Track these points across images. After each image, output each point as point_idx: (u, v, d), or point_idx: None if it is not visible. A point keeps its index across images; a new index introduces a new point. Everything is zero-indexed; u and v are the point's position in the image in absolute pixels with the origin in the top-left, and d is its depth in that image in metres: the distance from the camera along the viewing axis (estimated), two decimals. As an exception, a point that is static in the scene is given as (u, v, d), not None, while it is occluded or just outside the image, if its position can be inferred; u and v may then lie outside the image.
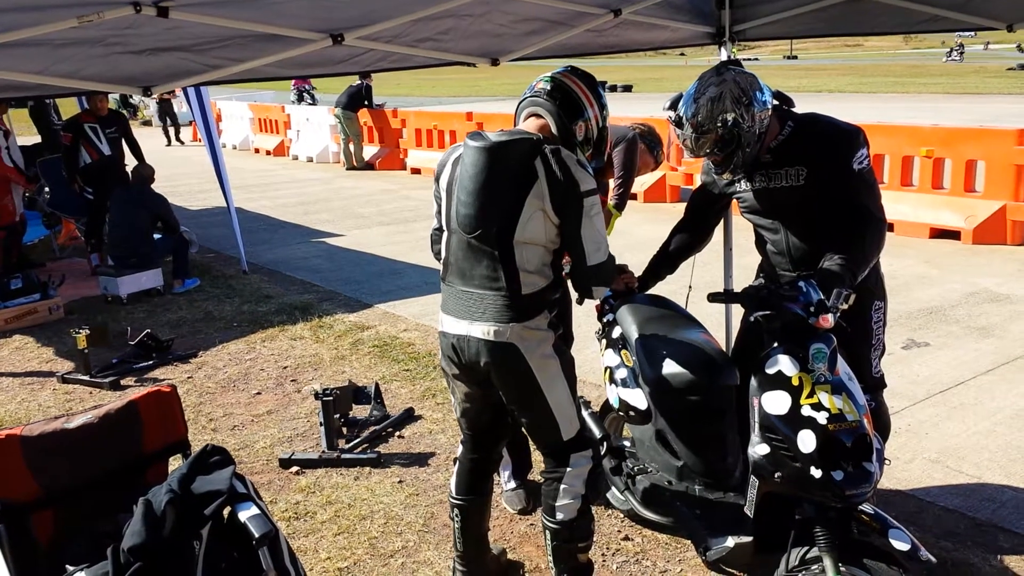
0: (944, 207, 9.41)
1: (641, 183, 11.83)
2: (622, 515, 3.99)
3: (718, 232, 3.86)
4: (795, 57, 71.32)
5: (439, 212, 3.17)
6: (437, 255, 3.28)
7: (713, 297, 3.11)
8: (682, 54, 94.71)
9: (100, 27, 2.98)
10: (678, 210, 3.78)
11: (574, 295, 3.34)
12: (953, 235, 9.23)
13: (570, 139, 3.04)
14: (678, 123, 3.23)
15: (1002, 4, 3.81)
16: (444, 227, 3.12)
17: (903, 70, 50.22)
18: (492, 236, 2.92)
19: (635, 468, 3.70)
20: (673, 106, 3.36)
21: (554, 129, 3.03)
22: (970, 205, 9.23)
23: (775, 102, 3.26)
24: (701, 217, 3.71)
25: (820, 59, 72.47)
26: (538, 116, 3.08)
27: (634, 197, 11.44)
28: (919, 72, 47.04)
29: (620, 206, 4.75)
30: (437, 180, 3.16)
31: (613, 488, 3.92)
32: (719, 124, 3.10)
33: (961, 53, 57.30)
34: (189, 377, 6.08)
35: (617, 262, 3.23)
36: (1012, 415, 4.91)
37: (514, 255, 2.92)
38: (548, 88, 3.06)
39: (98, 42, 3.15)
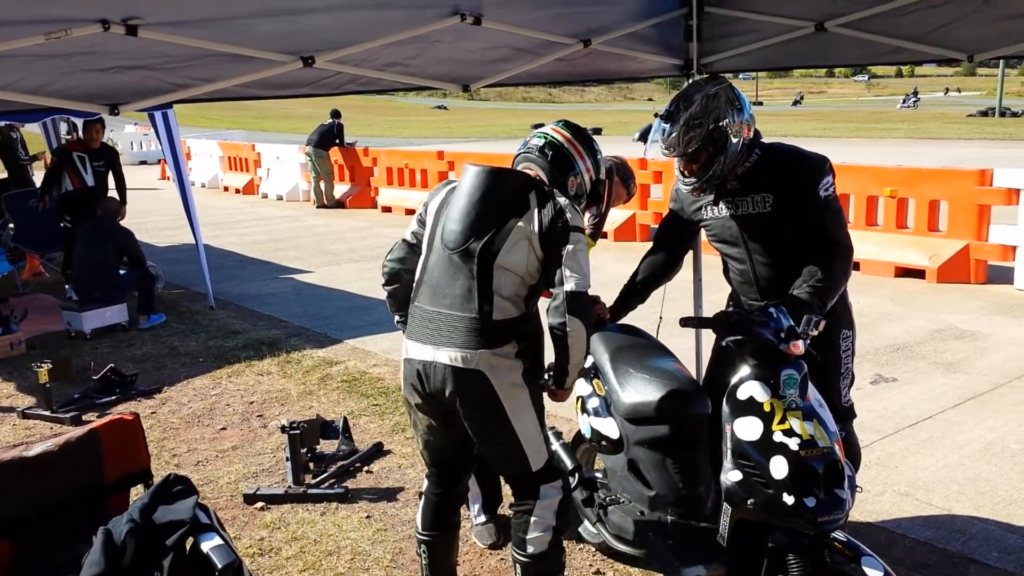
0: (909, 246, 9.55)
1: (611, 222, 11.92)
2: (594, 549, 3.94)
3: (687, 267, 3.87)
4: (760, 103, 72.78)
5: (416, 232, 3.20)
6: (391, 261, 3.25)
7: (685, 322, 3.11)
8: (650, 99, 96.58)
9: (67, 43, 2.96)
10: (646, 248, 3.80)
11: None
12: (918, 274, 9.36)
13: (563, 193, 3.08)
14: (666, 117, 3.23)
15: (962, 36, 3.89)
16: (424, 247, 3.11)
17: (865, 116, 51.33)
18: (475, 254, 2.92)
19: (607, 499, 3.66)
20: (642, 137, 3.39)
21: (547, 182, 3.08)
22: (934, 244, 9.38)
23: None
24: (670, 245, 3.73)
25: (785, 105, 73.98)
26: (531, 169, 3.14)
27: (604, 236, 11.52)
28: (881, 118, 48.08)
29: (595, 236, 4.77)
30: (426, 204, 3.20)
31: (585, 521, 3.87)
32: (711, 121, 3.12)
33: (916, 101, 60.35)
34: (153, 412, 5.97)
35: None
36: (980, 448, 4.94)
37: (492, 278, 2.91)
38: (540, 144, 3.13)
39: (64, 58, 3.13)
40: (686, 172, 3.30)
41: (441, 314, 2.96)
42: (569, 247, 2.92)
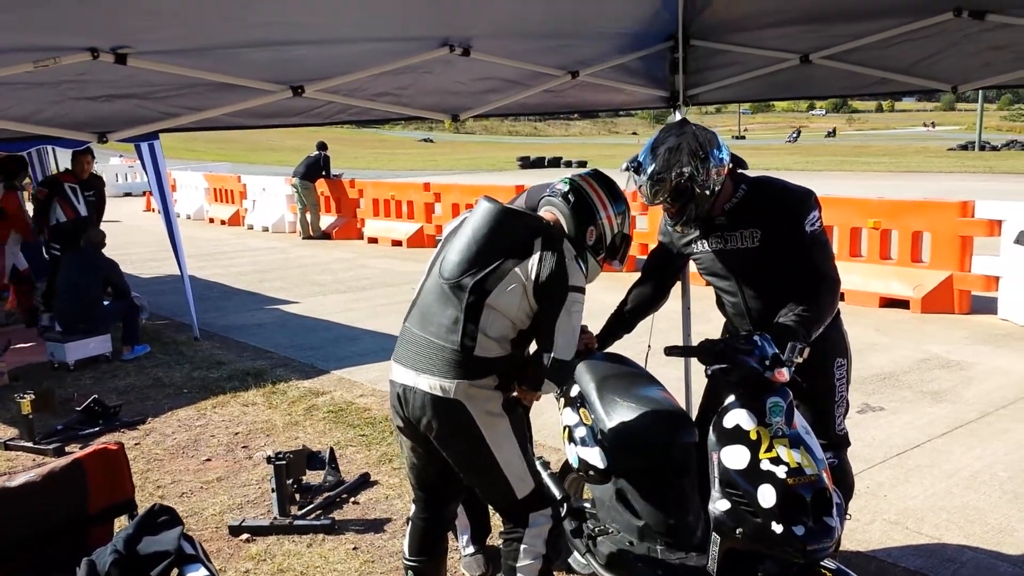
0: (893, 277, 9.62)
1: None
2: (582, 579, 3.90)
3: (675, 297, 3.88)
4: (743, 137, 73.63)
5: None
6: None
7: (670, 351, 3.12)
8: (634, 133, 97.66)
9: (55, 72, 2.96)
10: (633, 280, 3.81)
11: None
12: (902, 304, 9.41)
13: (580, 241, 3.09)
14: (636, 169, 3.29)
15: (946, 67, 3.95)
16: (426, 270, 3.13)
17: (847, 150, 51.90)
18: (467, 288, 2.91)
19: (596, 529, 3.63)
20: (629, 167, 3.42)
21: (565, 228, 3.10)
22: (918, 275, 9.44)
23: (730, 164, 3.33)
24: (658, 276, 3.74)
25: (767, 139, 74.82)
26: (551, 213, 3.15)
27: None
28: (863, 152, 48.62)
29: None
30: (444, 231, 3.24)
31: (574, 552, 3.84)
32: (674, 175, 3.16)
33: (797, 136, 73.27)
34: (136, 444, 5.91)
35: None
36: (968, 477, 4.95)
37: (481, 315, 2.90)
38: (565, 190, 3.14)
39: (53, 86, 3.13)
40: (668, 214, 3.36)
41: (426, 340, 2.96)
42: (563, 310, 2.90)
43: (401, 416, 3.05)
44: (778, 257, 3.27)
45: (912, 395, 6.50)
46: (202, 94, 3.47)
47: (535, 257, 2.90)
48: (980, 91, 44.94)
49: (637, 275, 3.82)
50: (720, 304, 3.61)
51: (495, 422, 2.96)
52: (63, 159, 10.87)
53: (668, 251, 3.66)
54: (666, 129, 3.28)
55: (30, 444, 5.85)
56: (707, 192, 3.19)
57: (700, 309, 4.56)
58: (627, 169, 3.40)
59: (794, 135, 74.47)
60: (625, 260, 3.34)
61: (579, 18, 3.97)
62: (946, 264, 9.28)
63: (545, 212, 3.17)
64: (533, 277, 2.89)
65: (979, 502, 4.63)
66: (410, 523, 3.35)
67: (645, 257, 3.89)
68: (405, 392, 2.98)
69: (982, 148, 47.29)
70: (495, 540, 4.06)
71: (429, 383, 2.91)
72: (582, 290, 2.96)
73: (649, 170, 3.21)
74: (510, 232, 2.98)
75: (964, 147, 48.64)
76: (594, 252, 3.14)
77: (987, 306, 9.12)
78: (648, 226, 12.02)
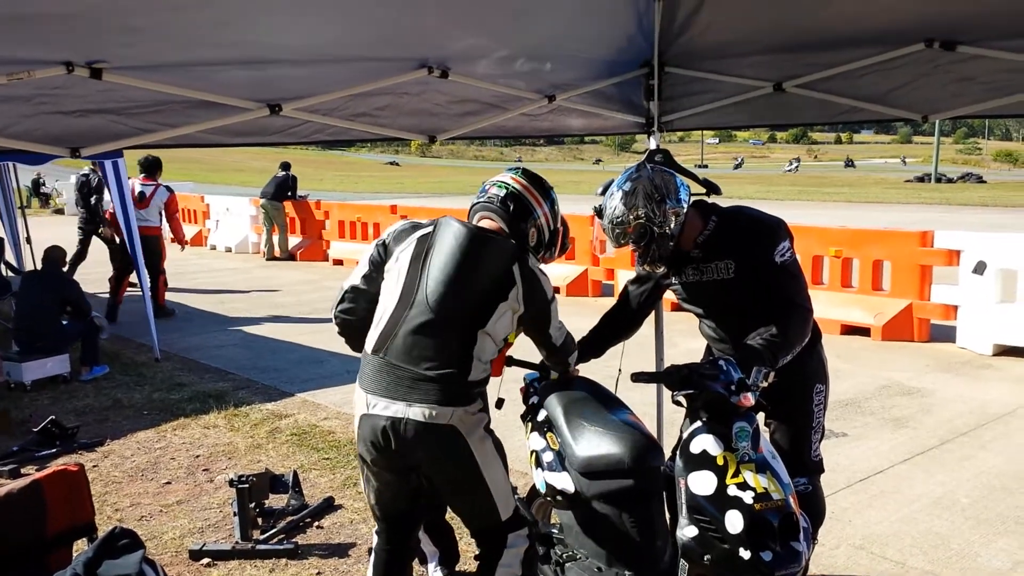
0: (854, 305, 9.74)
1: (564, 277, 11.97)
2: (549, 605, 3.87)
3: (647, 325, 3.90)
4: (705, 166, 74.54)
5: (369, 275, 3.15)
6: (343, 313, 3.25)
7: (636, 377, 3.13)
8: (598, 161, 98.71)
9: (30, 85, 2.92)
10: (600, 304, 3.84)
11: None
12: (863, 332, 9.54)
13: (524, 244, 3.15)
14: (599, 213, 3.38)
15: (916, 97, 4.02)
16: (397, 296, 3.01)
17: (807, 180, 52.71)
18: (463, 321, 2.94)
19: (564, 555, 3.61)
20: (605, 190, 3.45)
21: (508, 232, 3.14)
22: (878, 303, 9.58)
23: (702, 195, 3.37)
24: (635, 305, 3.76)
25: (728, 168, 75.83)
26: (492, 220, 3.17)
27: (557, 291, 11.53)
28: (823, 183, 49.41)
29: None
30: (385, 246, 3.15)
31: (541, 577, 3.81)
32: (632, 218, 3.21)
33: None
34: (95, 466, 5.79)
35: None
36: (931, 503, 5.00)
37: (476, 343, 2.94)
38: (501, 195, 3.16)
39: (26, 100, 3.09)
40: (635, 254, 3.42)
41: (413, 372, 2.90)
42: (551, 320, 3.17)
43: (383, 449, 2.95)
44: (752, 287, 3.31)
45: (875, 421, 6.58)
46: (178, 111, 3.44)
47: (519, 285, 2.98)
48: (936, 125, 45.94)
49: (600, 300, 3.85)
50: (702, 328, 3.64)
51: (484, 445, 3.01)
52: (24, 176, 10.63)
53: (646, 280, 3.70)
54: (628, 172, 3.34)
55: (-16, 466, 5.71)
56: (666, 232, 3.23)
57: (667, 334, 4.59)
58: (604, 192, 3.45)
59: (796, 162, 76.17)
60: (566, 250, 3.47)
61: (556, 42, 4.00)
62: (906, 293, 9.43)
63: (484, 220, 3.19)
64: (523, 305, 3.00)
65: (942, 527, 4.68)
66: (373, 554, 3.31)
67: (611, 282, 3.93)
68: (394, 424, 2.89)
69: (938, 180, 48.29)
70: (465, 565, 4.03)
71: (423, 412, 2.87)
72: (555, 294, 3.14)
73: (608, 215, 3.30)
74: (491, 262, 3.00)
75: (920, 179, 49.67)
76: (535, 252, 3.21)
77: (946, 334, 9.27)
78: (616, 252, 12.11)
